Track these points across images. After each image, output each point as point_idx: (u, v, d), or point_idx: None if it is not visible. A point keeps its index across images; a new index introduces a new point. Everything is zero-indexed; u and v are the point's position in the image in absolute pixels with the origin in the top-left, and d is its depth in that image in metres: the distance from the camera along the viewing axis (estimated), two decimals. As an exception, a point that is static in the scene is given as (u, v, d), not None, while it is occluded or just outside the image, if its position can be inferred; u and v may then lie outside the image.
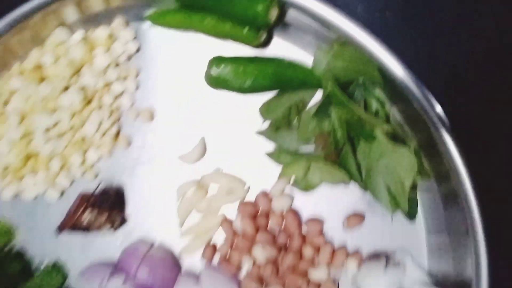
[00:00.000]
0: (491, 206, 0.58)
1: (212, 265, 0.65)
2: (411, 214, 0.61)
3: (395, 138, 0.57)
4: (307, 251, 0.61)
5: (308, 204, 0.64)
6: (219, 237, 0.65)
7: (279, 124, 0.61)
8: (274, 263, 0.62)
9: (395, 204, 0.60)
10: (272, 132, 0.62)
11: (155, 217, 0.66)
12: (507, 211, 0.66)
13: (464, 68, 0.66)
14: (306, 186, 0.62)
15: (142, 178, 0.66)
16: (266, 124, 0.63)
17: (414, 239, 0.62)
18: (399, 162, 0.57)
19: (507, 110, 0.67)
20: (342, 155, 0.59)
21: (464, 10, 0.68)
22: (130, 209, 0.66)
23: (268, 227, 0.63)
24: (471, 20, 0.68)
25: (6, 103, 0.65)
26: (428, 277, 0.60)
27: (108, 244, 0.66)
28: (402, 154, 0.57)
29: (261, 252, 0.61)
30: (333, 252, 0.62)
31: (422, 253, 0.62)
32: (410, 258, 0.61)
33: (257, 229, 0.62)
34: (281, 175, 0.61)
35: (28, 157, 0.65)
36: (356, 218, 0.62)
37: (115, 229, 0.66)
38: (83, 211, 0.63)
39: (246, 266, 0.62)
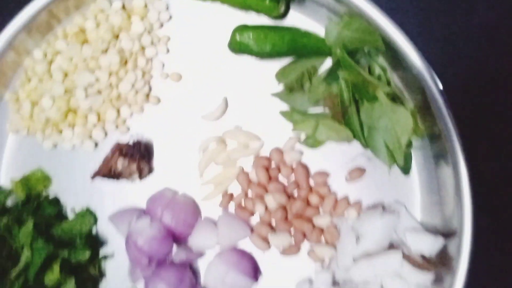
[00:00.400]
0: (477, 165, 0.66)
1: (229, 212, 0.73)
2: (406, 169, 0.69)
3: (395, 99, 0.65)
4: (313, 199, 0.69)
5: (315, 159, 0.72)
6: (236, 188, 0.73)
7: (292, 87, 0.69)
8: (284, 209, 0.70)
9: (392, 159, 0.68)
10: (286, 94, 0.70)
11: (178, 168, 0.74)
12: (491, 170, 0.74)
13: (459, 39, 0.74)
14: (314, 143, 0.70)
15: (169, 134, 0.74)
16: (281, 87, 0.71)
17: (408, 192, 0.70)
18: (397, 121, 0.65)
19: (495, 78, 0.74)
20: (347, 115, 0.67)
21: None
22: (157, 161, 0.75)
23: (279, 179, 0.72)
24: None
25: (51, 62, 0.74)
26: (419, 225, 0.68)
27: (136, 192, 0.74)
28: (400, 114, 0.65)
29: (273, 199, 0.69)
30: (336, 201, 0.70)
31: (415, 205, 0.71)
32: (404, 208, 0.69)
33: (269, 180, 0.70)
34: (292, 131, 0.69)
35: (68, 112, 0.74)
36: (357, 172, 0.70)
37: (143, 178, 0.74)
38: (117, 159, 0.71)
39: (258, 212, 0.70)
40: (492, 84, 0.74)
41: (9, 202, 0.74)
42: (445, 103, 0.64)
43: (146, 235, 0.68)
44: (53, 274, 0.68)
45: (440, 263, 0.66)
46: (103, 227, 0.75)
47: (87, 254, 0.71)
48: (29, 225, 0.70)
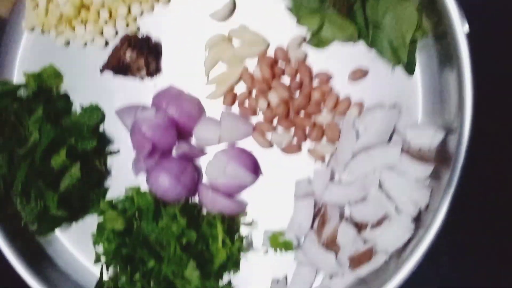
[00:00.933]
0: (481, 68, 0.66)
1: (232, 111, 0.74)
2: (410, 69, 0.69)
3: (400, -7, 0.66)
4: (315, 95, 0.70)
5: (319, 60, 0.72)
6: (240, 88, 0.74)
7: (300, -17, 0.70)
8: (286, 105, 0.71)
9: (396, 57, 0.68)
10: (294, -11, 0.70)
11: (185, 69, 0.75)
12: (495, 72, 0.74)
13: None
14: (319, 42, 0.71)
15: (177, 34, 0.76)
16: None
17: (411, 94, 0.71)
18: (402, 16, 0.65)
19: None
20: (353, 11, 0.67)
21: None
22: (165, 61, 0.76)
23: (283, 77, 0.73)
24: None
25: (66, -43, 0.76)
26: (417, 122, 0.68)
27: (143, 90, 0.76)
28: (405, 9, 0.65)
29: (275, 96, 0.70)
30: (338, 101, 0.71)
31: (417, 106, 0.71)
32: (406, 106, 0.69)
33: (273, 77, 0.71)
34: (298, 23, 0.70)
35: (81, 7, 0.76)
36: (360, 72, 0.70)
37: (150, 75, 0.76)
38: (125, 50, 0.73)
39: (261, 108, 0.71)
40: None
41: (23, 95, 0.77)
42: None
43: (151, 122, 0.70)
44: (60, 158, 0.71)
45: (438, 158, 0.66)
46: (110, 126, 0.77)
47: (93, 143, 0.73)
48: (39, 112, 0.73)
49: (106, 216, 0.72)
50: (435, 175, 0.66)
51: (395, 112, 0.67)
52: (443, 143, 0.66)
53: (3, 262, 0.73)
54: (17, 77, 0.80)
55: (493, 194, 0.76)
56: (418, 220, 0.66)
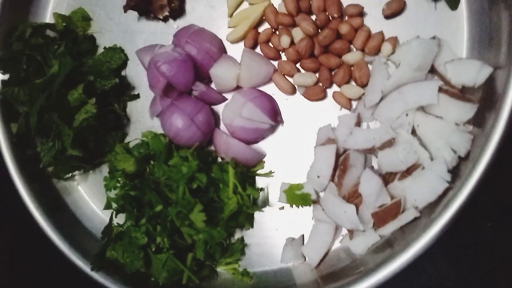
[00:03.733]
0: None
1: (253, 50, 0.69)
2: (453, 3, 0.60)
3: None
4: (344, 28, 0.62)
5: (350, -8, 0.65)
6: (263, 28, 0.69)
7: None
8: (311, 42, 0.64)
9: (438, -13, 0.59)
10: None
11: (208, 9, 0.72)
12: None
13: None
14: (352, -27, 0.64)
15: (203, -26, 0.72)
16: None
17: (454, 30, 0.61)
18: None
19: None
20: None
21: None
22: (187, 2, 0.73)
23: (309, 11, 0.66)
24: None
25: None
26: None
27: (165, 31, 0.73)
28: None
29: (300, 31, 0.64)
30: (369, 35, 0.63)
31: (460, 44, 0.61)
32: (448, 43, 0.60)
33: (298, 11, 0.65)
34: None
35: None
36: (397, 3, 0.62)
37: (173, 16, 0.72)
38: (148, -14, 0.70)
39: (284, 44, 0.65)
40: None
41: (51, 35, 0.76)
42: None
43: (167, 56, 0.66)
44: (76, 93, 0.69)
45: (483, 100, 0.56)
46: (133, 70, 0.75)
47: (112, 82, 0.71)
48: (62, 47, 0.72)
49: (118, 157, 0.69)
50: (478, 120, 0.56)
51: (434, 43, 0.58)
52: (490, 81, 0.56)
53: (20, 204, 0.72)
54: (49, 19, 0.80)
55: None
56: (456, 170, 0.56)
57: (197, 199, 0.64)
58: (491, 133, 0.54)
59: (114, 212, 0.70)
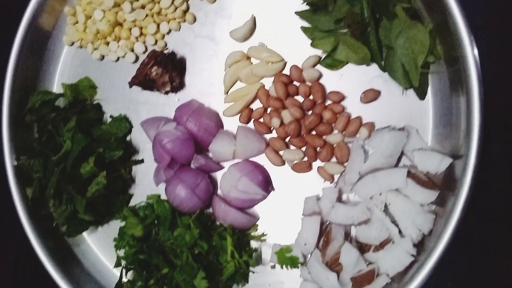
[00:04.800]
0: (491, 93, 0.65)
1: (247, 126, 0.77)
2: (421, 93, 0.69)
3: (413, 17, 0.66)
4: (327, 115, 0.71)
5: (332, 80, 0.74)
6: (255, 105, 0.77)
7: (317, 6, 0.71)
8: (298, 124, 0.73)
9: (408, 81, 0.68)
10: (310, 13, 0.72)
11: (206, 84, 0.80)
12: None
13: None
14: (333, 63, 0.72)
15: (200, 51, 0.80)
16: (305, 6, 0.73)
17: (422, 117, 0.71)
18: (414, 39, 0.66)
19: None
20: (367, 33, 0.68)
21: None
22: (188, 77, 0.81)
23: (296, 95, 0.75)
24: None
25: (104, -21, 0.82)
26: (428, 147, 0.68)
27: (167, 104, 0.81)
28: (418, 31, 0.65)
29: (289, 113, 0.72)
30: (349, 120, 0.72)
31: (427, 130, 0.71)
32: (416, 130, 0.69)
33: (287, 95, 0.74)
34: (312, 46, 0.72)
35: (115, 25, 0.82)
36: (372, 93, 0.71)
37: (174, 91, 0.80)
38: (152, 66, 0.78)
39: (274, 125, 0.74)
40: None
41: (60, 104, 0.84)
42: (464, 25, 0.64)
43: (171, 135, 0.74)
44: (88, 165, 0.77)
45: (444, 184, 0.66)
46: (137, 137, 0.83)
47: (119, 153, 0.79)
48: (73, 121, 0.79)
49: (127, 223, 0.77)
50: (440, 201, 0.66)
51: (403, 135, 0.68)
52: (450, 169, 0.65)
53: (34, 258, 0.80)
54: (56, 87, 0.87)
55: (498, 223, 0.74)
56: (421, 245, 0.66)
57: (199, 263, 0.73)
58: (451, 213, 0.63)
59: (124, 270, 0.79)
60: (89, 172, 0.77)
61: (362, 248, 0.69)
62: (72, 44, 0.86)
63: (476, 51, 0.64)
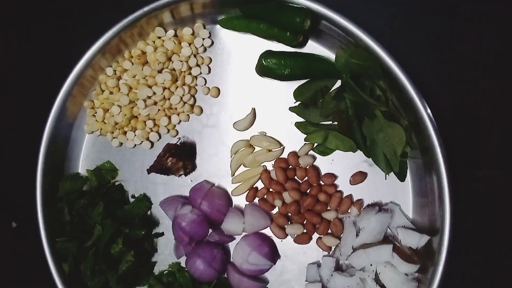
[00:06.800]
0: (461, 174, 0.77)
1: (254, 203, 0.89)
2: (401, 176, 0.81)
3: (391, 117, 0.78)
4: (322, 197, 0.83)
5: (325, 164, 0.86)
6: (260, 185, 0.89)
7: (307, 103, 0.83)
8: (297, 204, 0.85)
9: (389, 167, 0.80)
10: (302, 109, 0.84)
11: (215, 167, 0.91)
12: (474, 178, 0.84)
13: (449, 69, 0.84)
14: (324, 150, 0.84)
15: (208, 138, 0.91)
16: (298, 103, 0.85)
17: (403, 195, 0.83)
18: (392, 135, 0.77)
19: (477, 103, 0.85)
20: (352, 128, 0.80)
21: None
22: (198, 159, 0.92)
23: (295, 179, 0.86)
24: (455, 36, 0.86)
25: (119, 78, 0.93)
26: (410, 223, 0.80)
27: (181, 184, 0.92)
28: (395, 129, 0.77)
29: (288, 196, 0.84)
30: (341, 200, 0.84)
31: (408, 206, 0.83)
32: (398, 208, 0.81)
33: (286, 179, 0.85)
34: (306, 140, 0.84)
35: (131, 117, 0.93)
36: (360, 176, 0.83)
37: (187, 174, 0.92)
38: (167, 157, 0.89)
39: (277, 205, 0.86)
40: (476, 107, 0.84)
41: (85, 188, 0.95)
42: (431, 123, 0.76)
43: (188, 219, 0.86)
44: (118, 246, 0.88)
45: (425, 255, 0.78)
46: (156, 212, 0.94)
47: (142, 232, 0.90)
48: (100, 206, 0.90)
49: (153, 291, 0.89)
50: (422, 270, 0.78)
51: (388, 216, 0.80)
52: (429, 243, 0.78)
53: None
54: (81, 169, 0.98)
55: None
56: (408, 309, 0.78)
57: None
58: (432, 280, 0.76)
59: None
60: (119, 252, 0.88)
61: (358, 311, 0.81)
62: (92, 132, 0.97)
63: (441, 142, 0.76)
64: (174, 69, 0.91)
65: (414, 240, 0.77)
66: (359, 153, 0.84)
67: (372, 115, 0.78)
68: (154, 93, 0.90)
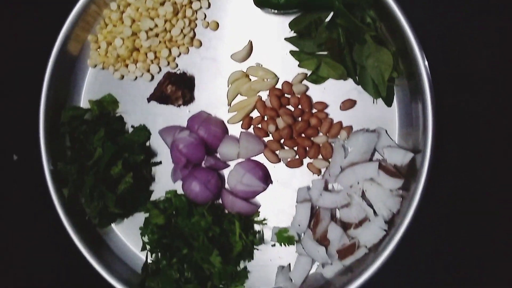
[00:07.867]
0: (443, 102, 0.83)
1: (248, 131, 0.94)
2: (388, 101, 0.87)
3: (380, 42, 0.83)
4: (313, 121, 0.88)
5: (317, 93, 0.91)
6: (255, 114, 0.94)
7: (302, 33, 0.88)
8: (290, 129, 0.89)
9: (377, 92, 0.85)
10: (297, 39, 0.89)
11: (212, 98, 0.95)
12: (456, 106, 0.90)
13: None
14: (317, 80, 0.89)
15: (206, 70, 0.96)
16: (293, 33, 0.90)
17: (389, 121, 0.88)
18: (381, 60, 0.83)
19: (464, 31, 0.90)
20: (343, 55, 0.85)
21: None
22: (197, 91, 0.96)
23: (288, 106, 0.91)
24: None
25: (122, 12, 0.97)
26: (395, 144, 0.85)
27: (180, 114, 0.97)
28: (383, 54, 0.82)
29: (282, 120, 0.89)
30: (331, 125, 0.89)
31: (394, 131, 0.88)
32: (385, 131, 0.86)
33: (280, 106, 0.90)
34: (299, 66, 0.89)
35: (133, 50, 0.97)
36: (349, 102, 0.88)
37: (185, 104, 0.96)
38: (167, 84, 0.93)
39: (271, 130, 0.90)
40: (463, 35, 0.90)
41: (87, 117, 0.99)
42: (418, 48, 0.81)
43: (186, 141, 0.90)
44: (117, 168, 0.92)
45: (408, 173, 0.83)
46: (155, 142, 0.98)
47: (141, 156, 0.94)
48: (101, 132, 0.94)
49: (150, 214, 0.93)
50: (405, 187, 0.83)
51: (375, 135, 0.85)
52: (412, 161, 0.83)
53: (71, 246, 0.95)
54: (83, 103, 1.02)
55: (452, 204, 0.91)
56: (391, 222, 0.83)
57: (213, 244, 0.89)
58: (414, 196, 0.81)
59: (149, 253, 0.95)
60: (118, 174, 0.92)
61: (345, 226, 0.86)
62: (95, 66, 1.01)
63: (427, 67, 0.81)
64: (175, 2, 0.95)
65: (398, 157, 0.82)
66: (350, 81, 0.89)
67: (362, 41, 0.83)
68: (156, 25, 0.95)
